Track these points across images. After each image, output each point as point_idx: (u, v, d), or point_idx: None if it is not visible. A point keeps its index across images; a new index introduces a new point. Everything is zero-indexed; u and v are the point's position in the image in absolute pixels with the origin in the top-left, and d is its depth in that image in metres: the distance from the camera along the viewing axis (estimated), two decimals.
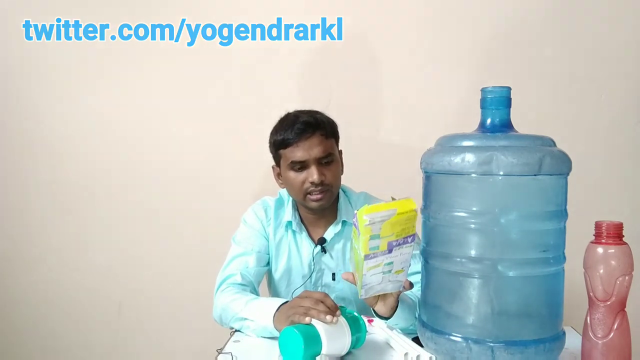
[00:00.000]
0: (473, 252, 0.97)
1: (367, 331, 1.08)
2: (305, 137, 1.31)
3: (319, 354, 0.98)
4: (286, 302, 1.14)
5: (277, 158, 1.39)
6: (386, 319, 1.14)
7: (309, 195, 1.33)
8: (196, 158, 1.93)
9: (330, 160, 1.34)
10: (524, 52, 1.83)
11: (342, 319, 1.03)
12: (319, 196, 1.33)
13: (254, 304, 1.19)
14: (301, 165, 1.32)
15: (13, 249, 2.01)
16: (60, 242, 1.99)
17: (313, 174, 1.30)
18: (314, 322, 1.00)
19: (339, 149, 1.43)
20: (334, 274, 1.42)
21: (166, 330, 1.98)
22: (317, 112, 1.38)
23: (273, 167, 1.43)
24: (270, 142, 1.39)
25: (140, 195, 1.95)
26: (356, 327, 1.05)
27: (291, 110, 1.41)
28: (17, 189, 1.99)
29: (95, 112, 1.94)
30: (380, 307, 1.11)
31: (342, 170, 1.43)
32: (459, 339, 0.96)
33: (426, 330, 1.03)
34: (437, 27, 1.85)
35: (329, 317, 0.99)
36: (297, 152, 1.31)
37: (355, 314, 1.08)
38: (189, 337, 1.96)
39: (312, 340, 0.97)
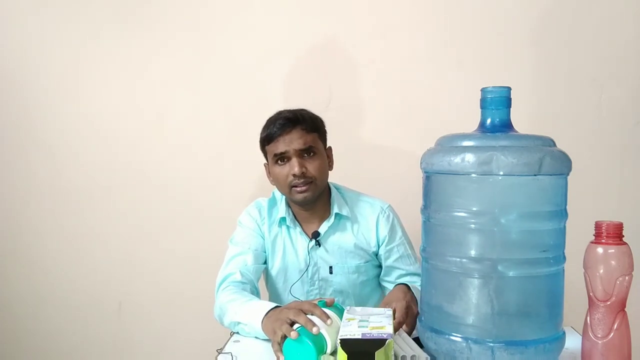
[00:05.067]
0: (473, 252, 0.97)
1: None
2: (286, 132, 1.35)
3: (324, 351, 1.00)
4: (276, 307, 1.15)
5: (265, 155, 1.44)
6: None
7: (293, 188, 1.37)
8: (196, 159, 1.93)
9: (313, 154, 1.37)
10: (524, 52, 1.83)
11: (334, 316, 1.05)
12: (302, 188, 1.36)
13: (247, 307, 1.21)
14: (283, 158, 1.36)
15: (13, 249, 2.00)
16: (60, 242, 1.98)
17: (294, 166, 1.34)
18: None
19: (328, 145, 1.46)
20: (331, 267, 1.43)
21: (166, 330, 1.98)
22: (301, 110, 1.42)
23: (265, 165, 1.46)
24: (259, 141, 1.44)
25: (140, 195, 1.95)
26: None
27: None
28: (16, 189, 1.99)
29: (94, 113, 1.94)
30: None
31: (331, 166, 1.46)
32: (459, 339, 0.97)
33: (426, 330, 1.03)
34: (437, 27, 1.85)
35: (315, 329, 1.00)
36: (279, 145, 1.36)
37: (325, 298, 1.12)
38: (189, 337, 1.96)
39: (319, 344, 0.99)
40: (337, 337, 0.99)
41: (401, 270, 1.44)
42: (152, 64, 1.91)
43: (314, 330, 1.00)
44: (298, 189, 1.36)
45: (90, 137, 1.95)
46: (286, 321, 1.04)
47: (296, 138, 1.35)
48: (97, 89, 1.94)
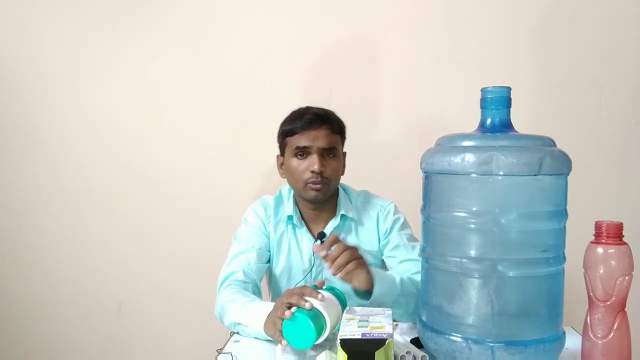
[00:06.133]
0: (473, 252, 0.97)
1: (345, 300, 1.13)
2: (313, 127, 1.35)
3: (324, 328, 1.01)
4: None
5: (283, 147, 1.43)
6: (367, 296, 1.16)
7: (308, 185, 1.36)
8: (196, 158, 1.93)
9: (333, 155, 1.38)
10: (524, 52, 1.83)
11: (327, 294, 1.07)
12: (317, 186, 1.35)
13: (248, 308, 1.20)
14: (304, 152, 1.36)
15: (13, 249, 2.00)
16: (60, 242, 1.98)
17: (314, 163, 1.34)
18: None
19: (344, 150, 1.45)
20: None
21: (166, 330, 1.98)
22: (328, 110, 1.42)
23: (277, 157, 1.46)
24: (279, 132, 1.43)
25: (140, 195, 1.95)
26: (340, 298, 1.11)
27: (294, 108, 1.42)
28: (16, 189, 1.99)
29: (94, 113, 1.94)
30: (356, 283, 1.15)
31: (343, 171, 1.46)
32: (459, 339, 0.96)
33: (426, 330, 1.03)
34: (437, 27, 1.85)
35: (308, 304, 1.01)
36: (303, 139, 1.35)
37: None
38: (188, 337, 1.96)
39: (318, 321, 1.00)
40: (336, 315, 1.02)
41: (397, 259, 1.40)
42: (152, 64, 1.91)
43: (307, 305, 1.01)
44: (312, 186, 1.36)
45: (90, 137, 1.95)
46: (281, 307, 1.04)
47: (322, 136, 1.35)
48: (97, 89, 1.94)
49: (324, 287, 1.14)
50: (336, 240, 1.15)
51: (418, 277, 1.20)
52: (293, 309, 1.02)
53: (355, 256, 1.13)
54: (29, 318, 2.01)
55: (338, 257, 1.12)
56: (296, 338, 1.00)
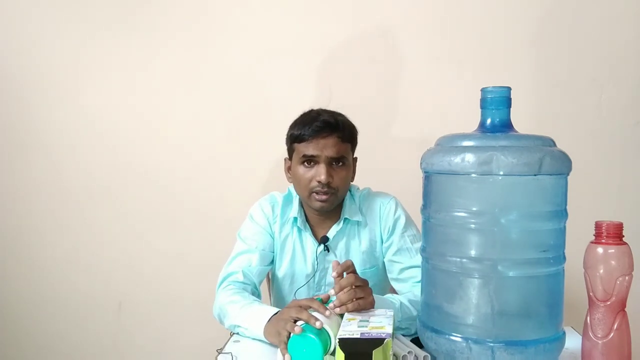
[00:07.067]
0: (473, 252, 0.97)
1: None
2: (322, 136, 1.31)
3: (328, 345, 0.99)
4: (277, 312, 1.14)
5: (290, 151, 1.39)
6: None
7: (313, 194, 1.33)
8: (196, 158, 1.93)
9: (342, 164, 1.34)
10: (524, 52, 1.83)
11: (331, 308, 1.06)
12: (323, 197, 1.32)
13: (247, 310, 1.20)
14: (312, 161, 1.32)
15: (13, 249, 2.00)
16: (60, 242, 1.98)
17: (321, 173, 1.30)
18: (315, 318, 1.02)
19: (354, 156, 1.42)
20: None
21: (166, 330, 1.98)
22: (340, 114, 1.38)
23: (285, 160, 1.43)
24: (287, 135, 1.40)
25: (139, 195, 1.95)
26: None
27: (293, 110, 1.41)
28: (16, 189, 1.99)
29: (94, 113, 1.94)
30: None
31: (353, 178, 1.43)
32: (459, 339, 0.97)
33: (426, 330, 1.03)
34: (437, 27, 1.85)
35: (318, 324, 0.99)
36: (310, 148, 1.31)
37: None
38: (189, 337, 1.96)
39: (324, 339, 0.99)
40: (337, 327, 1.00)
41: (401, 264, 1.38)
42: (152, 64, 1.91)
43: (317, 324, 0.99)
44: (318, 196, 1.32)
45: (90, 137, 1.95)
46: (289, 320, 1.03)
47: (331, 145, 1.30)
48: (97, 89, 1.94)
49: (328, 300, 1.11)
50: (349, 268, 1.13)
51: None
52: (300, 322, 1.01)
53: (358, 295, 1.09)
54: (29, 318, 2.01)
55: (344, 288, 1.09)
56: (302, 356, 0.98)
